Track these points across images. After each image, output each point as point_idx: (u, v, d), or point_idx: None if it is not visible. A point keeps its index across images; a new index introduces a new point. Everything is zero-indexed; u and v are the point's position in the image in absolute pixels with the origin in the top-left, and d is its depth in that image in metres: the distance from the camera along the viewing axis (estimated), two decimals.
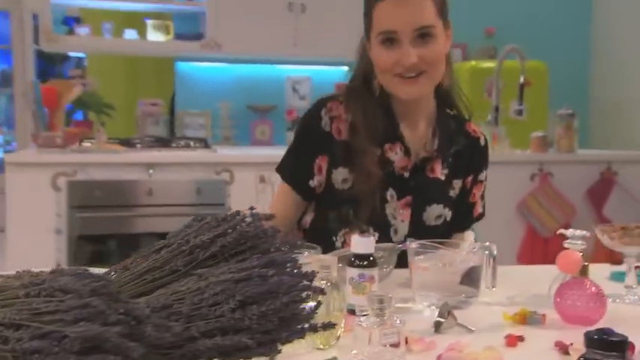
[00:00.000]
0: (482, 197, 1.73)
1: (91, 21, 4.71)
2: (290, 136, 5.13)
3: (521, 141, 3.91)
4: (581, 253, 1.25)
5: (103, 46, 4.83)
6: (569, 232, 1.33)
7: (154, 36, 4.70)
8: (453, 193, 1.62)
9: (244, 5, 4.79)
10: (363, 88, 1.58)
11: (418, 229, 1.55)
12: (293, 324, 0.78)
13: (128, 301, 0.73)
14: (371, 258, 1.19)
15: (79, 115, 5.05)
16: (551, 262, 3.43)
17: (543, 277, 1.37)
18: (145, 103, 4.77)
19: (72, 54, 6.27)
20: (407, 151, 1.56)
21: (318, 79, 5.43)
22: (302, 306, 0.81)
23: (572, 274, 1.24)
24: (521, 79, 3.74)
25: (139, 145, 3.25)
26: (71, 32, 4.53)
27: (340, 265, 1.38)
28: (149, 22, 4.70)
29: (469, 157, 1.65)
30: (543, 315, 1.18)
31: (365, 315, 0.96)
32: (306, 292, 0.79)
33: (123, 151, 3.15)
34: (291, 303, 0.76)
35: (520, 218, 3.45)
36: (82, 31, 4.57)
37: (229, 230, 0.83)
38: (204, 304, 0.73)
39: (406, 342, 1.01)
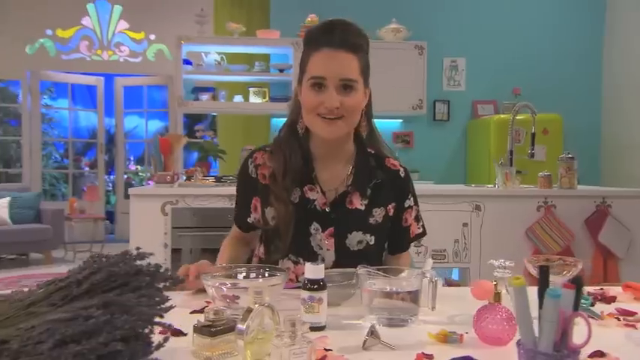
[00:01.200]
0: (418, 219, 1.51)
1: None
2: None
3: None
4: (495, 282, 1.07)
5: (218, 108, 4.95)
6: (496, 262, 1.16)
7: (254, 99, 4.76)
8: (373, 221, 1.42)
9: None
10: (288, 135, 1.44)
11: (343, 255, 1.39)
12: None
13: None
14: (321, 283, 1.08)
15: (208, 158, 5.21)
16: None
17: None
18: (246, 149, 4.82)
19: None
20: (322, 190, 1.41)
21: (379, 129, 5.32)
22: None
23: (485, 300, 1.07)
24: (533, 129, 3.48)
25: (228, 181, 3.24)
26: (196, 98, 4.67)
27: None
28: (251, 90, 4.77)
29: (390, 188, 1.46)
30: (461, 335, 1.02)
31: (280, 335, 0.86)
32: (145, 329, 0.68)
33: (213, 185, 3.16)
34: (111, 342, 0.63)
35: (528, 241, 3.19)
36: (204, 97, 4.70)
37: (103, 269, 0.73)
38: (31, 342, 0.62)
39: (325, 358, 0.90)
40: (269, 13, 5.40)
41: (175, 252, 3.04)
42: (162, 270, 0.77)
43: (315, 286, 1.07)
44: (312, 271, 1.08)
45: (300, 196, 1.41)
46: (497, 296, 1.05)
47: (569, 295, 0.75)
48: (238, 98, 4.77)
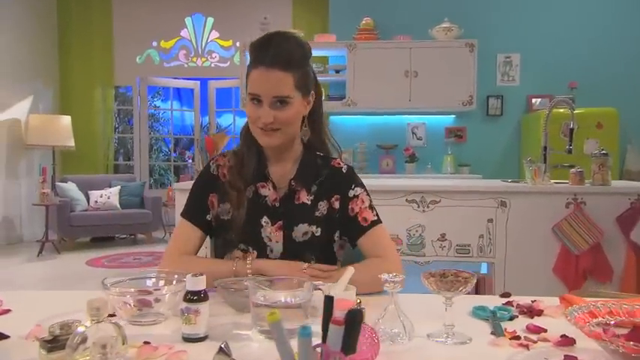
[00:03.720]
0: (371, 208, 1.41)
1: None
2: (408, 167, 4.85)
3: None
4: (359, 300, 0.93)
5: None
6: (384, 276, 1.02)
7: None
8: (319, 213, 1.39)
9: (372, 74, 4.61)
10: (247, 135, 1.39)
11: (290, 246, 1.36)
12: None
13: None
14: (202, 294, 0.99)
15: None
16: (583, 276, 2.82)
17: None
18: None
19: None
20: (275, 186, 1.38)
21: (431, 124, 5.06)
22: None
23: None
24: (571, 124, 3.11)
25: None
26: None
27: (232, 289, 1.20)
28: None
29: (332, 183, 1.41)
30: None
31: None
32: None
33: None
34: None
35: (554, 238, 2.87)
36: None
37: None
38: None
39: None
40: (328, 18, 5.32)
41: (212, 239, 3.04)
42: None
43: (195, 297, 0.98)
44: (192, 282, 1.00)
45: (254, 192, 1.39)
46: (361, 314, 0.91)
47: (337, 333, 0.63)
48: None
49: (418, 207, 2.96)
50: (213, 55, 7.24)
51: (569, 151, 3.10)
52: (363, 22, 4.78)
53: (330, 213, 1.40)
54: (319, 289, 1.08)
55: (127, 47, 7.11)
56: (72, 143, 6.57)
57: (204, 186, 1.42)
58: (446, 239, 2.95)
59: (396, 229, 2.96)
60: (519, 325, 1.07)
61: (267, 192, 1.38)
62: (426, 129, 5.03)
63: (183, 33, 7.27)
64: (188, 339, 0.98)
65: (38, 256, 5.67)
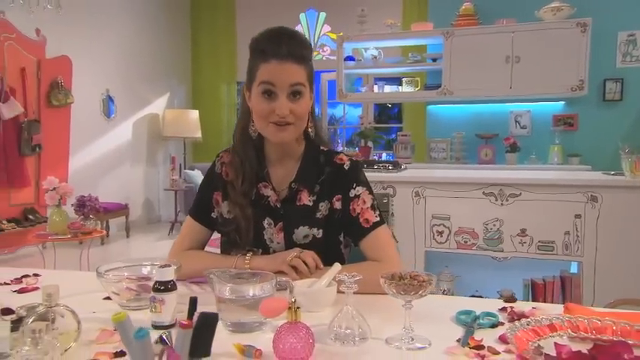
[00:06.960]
0: (373, 208, 1.33)
1: (368, 81, 4.80)
2: (509, 157, 4.50)
3: None
4: (294, 299, 0.90)
5: (372, 97, 4.88)
6: (340, 276, 0.97)
7: (407, 88, 4.58)
8: (320, 215, 1.33)
9: (470, 62, 4.35)
10: (242, 140, 1.35)
11: (292, 248, 1.31)
12: None
13: None
14: (169, 285, 1.02)
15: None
16: None
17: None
18: (400, 134, 4.69)
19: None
20: (274, 189, 1.35)
21: (537, 112, 4.64)
22: None
23: (272, 318, 0.91)
24: None
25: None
26: (353, 90, 4.69)
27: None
28: (404, 80, 4.61)
29: (334, 181, 1.34)
30: (258, 350, 0.89)
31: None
32: None
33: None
34: None
35: None
36: (363, 88, 4.70)
37: None
38: None
39: None
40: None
41: None
42: None
43: (162, 287, 1.03)
44: (160, 273, 1.04)
45: (256, 193, 1.37)
46: (297, 313, 0.89)
47: (184, 336, 0.62)
48: (392, 88, 4.65)
49: (496, 200, 2.76)
50: (325, 48, 7.36)
51: None
52: (463, 7, 4.51)
53: (331, 214, 1.35)
54: (283, 288, 1.07)
55: (248, 45, 7.50)
56: (199, 135, 7.15)
57: (209, 184, 1.43)
58: (526, 235, 2.72)
59: (472, 223, 2.80)
60: (497, 333, 0.97)
61: (269, 192, 1.36)
62: (530, 117, 4.62)
63: (298, 28, 7.48)
64: (155, 326, 1.03)
65: (169, 234, 6.29)
